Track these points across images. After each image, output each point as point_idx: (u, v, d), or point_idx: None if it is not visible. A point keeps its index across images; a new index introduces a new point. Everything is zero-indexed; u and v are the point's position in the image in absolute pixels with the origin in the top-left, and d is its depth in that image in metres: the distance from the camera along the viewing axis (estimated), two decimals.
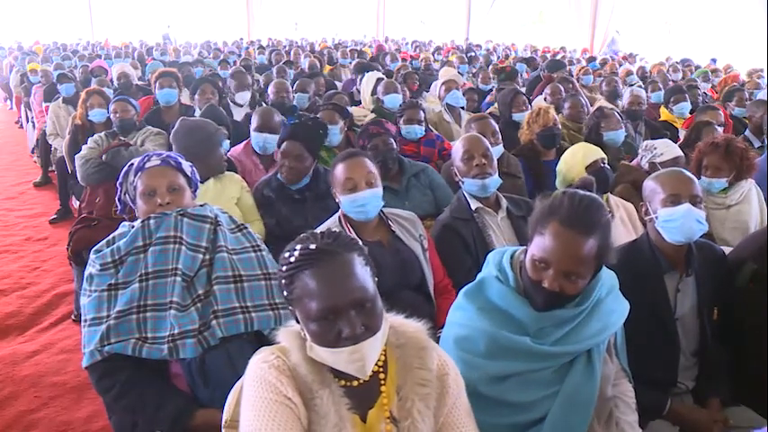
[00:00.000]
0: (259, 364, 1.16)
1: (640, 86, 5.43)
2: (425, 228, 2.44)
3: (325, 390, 1.14)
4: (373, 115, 4.59)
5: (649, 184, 1.93)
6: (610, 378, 1.58)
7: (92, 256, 1.74)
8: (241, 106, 4.84)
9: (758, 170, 3.14)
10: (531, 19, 21.20)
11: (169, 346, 1.63)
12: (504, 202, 2.37)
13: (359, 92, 5.73)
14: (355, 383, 1.18)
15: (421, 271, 2.17)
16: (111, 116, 3.83)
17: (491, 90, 6.22)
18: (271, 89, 4.67)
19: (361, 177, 2.08)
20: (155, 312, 1.67)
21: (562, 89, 5.04)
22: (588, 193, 1.47)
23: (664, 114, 4.93)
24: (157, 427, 1.62)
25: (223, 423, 1.26)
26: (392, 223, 2.20)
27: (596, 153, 2.52)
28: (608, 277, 1.54)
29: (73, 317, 3.37)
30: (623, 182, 2.89)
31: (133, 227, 1.76)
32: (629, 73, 7.60)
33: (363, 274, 1.15)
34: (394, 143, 2.97)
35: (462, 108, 4.91)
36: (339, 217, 2.16)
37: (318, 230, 1.20)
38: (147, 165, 1.85)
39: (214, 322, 1.69)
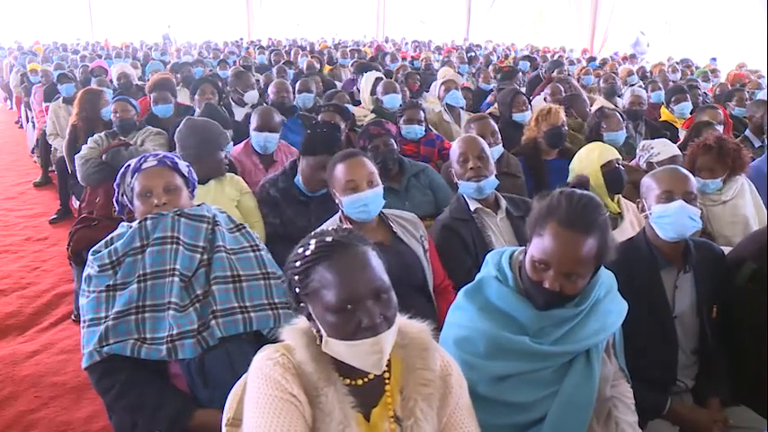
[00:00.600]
0: (264, 361, 1.16)
1: (641, 86, 5.43)
2: (425, 228, 2.45)
3: (330, 387, 1.14)
4: (373, 115, 4.59)
5: (646, 181, 1.94)
6: (609, 378, 1.58)
7: (90, 257, 1.74)
8: (246, 106, 4.84)
9: (757, 171, 3.16)
10: (531, 19, 21.20)
11: (168, 346, 1.63)
12: (503, 203, 2.37)
13: (359, 92, 5.73)
14: (359, 382, 1.18)
15: (422, 272, 2.16)
16: (112, 116, 3.83)
17: (491, 90, 6.22)
18: (271, 89, 4.67)
19: (363, 178, 2.07)
20: (153, 313, 1.67)
21: (562, 89, 5.04)
22: (586, 192, 1.47)
23: (664, 114, 4.93)
24: (157, 428, 1.62)
25: (225, 422, 1.25)
26: (393, 224, 2.20)
27: (612, 153, 2.52)
28: (606, 278, 1.54)
29: (73, 317, 3.36)
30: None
31: (131, 227, 1.76)
32: (630, 73, 7.59)
33: (379, 266, 1.17)
34: (394, 144, 2.97)
35: (462, 108, 4.91)
36: (339, 218, 2.15)
37: (332, 227, 1.22)
38: (144, 165, 1.85)
39: (213, 322, 1.69)
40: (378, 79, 5.05)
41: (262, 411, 1.10)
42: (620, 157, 2.54)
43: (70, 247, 3.12)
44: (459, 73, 7.28)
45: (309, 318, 1.18)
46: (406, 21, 20.31)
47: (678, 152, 2.92)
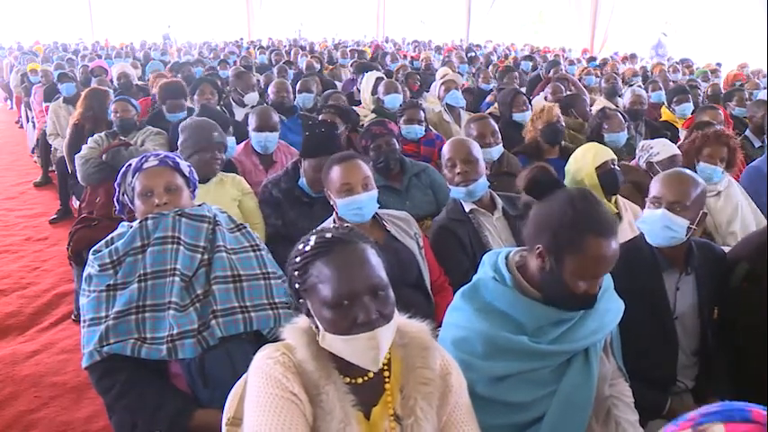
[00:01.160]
0: (264, 360, 1.16)
1: (640, 86, 5.43)
2: (426, 227, 2.45)
3: (330, 386, 1.14)
4: (374, 115, 4.59)
5: (653, 182, 1.93)
6: (607, 377, 1.58)
7: (90, 256, 1.74)
8: (245, 107, 4.84)
9: (757, 171, 3.17)
10: (531, 19, 21.20)
11: (168, 346, 1.63)
12: (499, 202, 2.37)
13: (359, 92, 5.73)
14: (360, 380, 1.18)
15: (418, 269, 2.17)
16: (112, 116, 3.83)
17: (491, 90, 6.22)
18: (271, 89, 4.67)
19: (358, 181, 2.08)
20: (153, 313, 1.67)
21: (563, 88, 5.04)
22: (586, 190, 1.48)
23: (665, 114, 4.92)
24: (157, 428, 1.62)
25: (225, 421, 1.25)
26: (387, 223, 2.21)
27: (607, 153, 2.51)
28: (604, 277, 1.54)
29: (73, 317, 3.37)
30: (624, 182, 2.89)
31: (132, 227, 1.77)
32: (635, 74, 7.59)
33: (377, 262, 1.18)
34: (396, 143, 2.97)
35: (462, 108, 4.91)
36: (334, 219, 2.16)
37: (333, 225, 1.22)
38: (145, 165, 1.85)
39: (213, 322, 1.69)
40: (379, 79, 5.05)
41: (262, 410, 1.10)
42: (615, 157, 2.53)
43: (70, 247, 3.12)
44: (459, 73, 7.27)
45: (308, 314, 1.19)
46: (406, 21, 20.31)
47: (677, 152, 2.93)
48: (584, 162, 2.50)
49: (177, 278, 1.69)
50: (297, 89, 4.90)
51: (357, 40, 16.68)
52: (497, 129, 3.15)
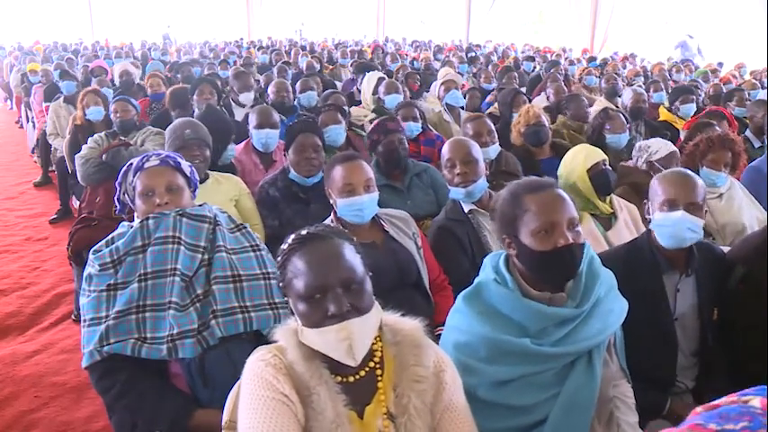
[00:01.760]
0: (256, 362, 1.17)
1: (640, 86, 5.43)
2: (426, 227, 2.45)
3: (322, 386, 1.14)
4: (374, 115, 4.60)
5: (653, 184, 1.92)
6: (611, 379, 1.57)
7: (90, 256, 1.74)
8: (244, 107, 4.84)
9: (757, 171, 3.17)
10: (531, 19, 21.19)
11: (168, 346, 1.63)
12: None
13: (359, 92, 5.73)
14: (352, 379, 1.19)
15: (417, 269, 2.17)
16: (112, 116, 3.84)
17: (491, 90, 6.23)
18: (271, 89, 4.67)
19: (360, 182, 2.08)
20: (154, 312, 1.67)
21: (565, 89, 5.03)
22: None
23: (663, 114, 4.92)
24: (157, 427, 1.62)
25: (223, 424, 1.26)
26: (385, 223, 2.21)
27: (598, 155, 2.50)
28: (607, 277, 1.54)
29: (73, 317, 3.37)
30: (622, 183, 2.89)
31: (132, 227, 1.76)
32: (636, 74, 7.58)
33: (352, 258, 1.18)
34: (406, 142, 2.99)
35: (462, 108, 4.91)
36: (332, 219, 2.16)
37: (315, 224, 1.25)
38: (146, 165, 1.85)
39: (213, 322, 1.69)
40: (380, 79, 5.06)
41: (254, 412, 1.11)
42: (606, 158, 2.52)
43: (70, 247, 3.12)
44: (459, 73, 7.28)
45: (293, 313, 1.20)
46: (406, 21, 20.31)
47: (675, 148, 2.93)
48: (576, 164, 2.50)
49: (177, 278, 1.69)
50: (298, 89, 4.91)
51: (357, 40, 16.68)
52: (494, 128, 3.15)
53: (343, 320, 1.12)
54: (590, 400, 1.45)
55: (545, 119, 3.52)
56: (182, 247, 1.72)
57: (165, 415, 1.62)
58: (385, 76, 5.52)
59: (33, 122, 7.01)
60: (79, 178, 3.46)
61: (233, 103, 4.92)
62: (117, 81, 6.34)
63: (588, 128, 3.86)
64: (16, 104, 9.62)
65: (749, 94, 5.51)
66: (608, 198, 2.54)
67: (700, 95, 5.82)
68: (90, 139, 3.58)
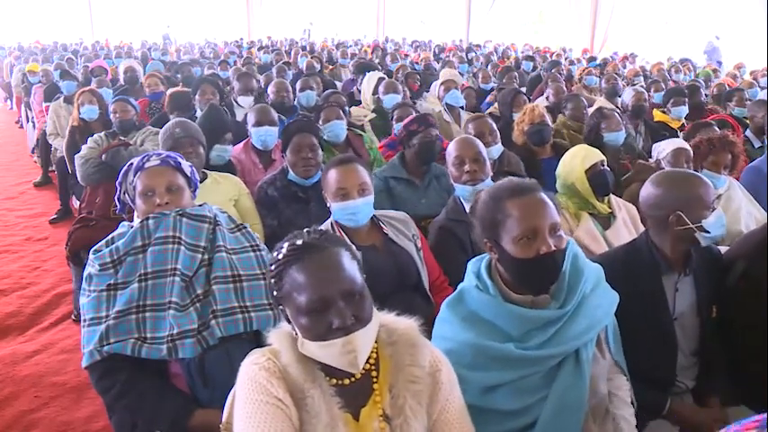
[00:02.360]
0: (250, 366, 1.17)
1: (642, 86, 5.43)
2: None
3: (316, 389, 1.14)
4: (374, 115, 4.60)
5: (675, 194, 1.78)
6: (603, 375, 1.56)
7: (91, 256, 1.74)
8: (244, 108, 4.85)
9: (757, 171, 3.16)
10: (531, 19, 21.20)
11: (168, 346, 1.63)
12: None
13: (359, 92, 5.73)
14: (347, 382, 1.18)
15: (416, 270, 2.17)
16: (111, 116, 3.84)
17: (491, 90, 6.23)
18: (270, 89, 4.67)
19: (354, 186, 2.08)
20: (154, 312, 1.67)
21: (565, 89, 5.03)
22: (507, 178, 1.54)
23: (657, 115, 4.91)
24: (157, 427, 1.62)
25: (221, 426, 1.26)
26: (384, 225, 2.20)
27: (596, 156, 2.50)
28: (592, 272, 1.52)
29: (73, 317, 3.37)
30: (638, 180, 2.87)
31: (132, 227, 1.76)
32: (636, 74, 7.58)
33: (351, 266, 1.16)
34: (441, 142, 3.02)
35: (462, 108, 4.91)
36: (331, 222, 2.16)
37: (306, 229, 1.22)
38: (147, 164, 1.85)
39: (213, 322, 1.69)
40: (380, 79, 5.06)
41: (249, 416, 1.11)
42: (604, 158, 2.52)
43: (68, 247, 3.12)
44: (459, 73, 7.28)
45: (288, 320, 1.18)
46: (406, 21, 20.31)
47: (681, 145, 2.91)
48: (574, 165, 2.49)
49: (178, 278, 1.69)
50: (298, 88, 4.91)
51: (357, 39, 16.67)
52: (496, 128, 3.16)
53: (348, 333, 1.10)
54: (579, 401, 1.44)
55: (548, 119, 3.53)
56: (182, 247, 1.72)
57: (165, 415, 1.62)
58: (385, 76, 5.52)
59: (33, 122, 7.01)
60: (79, 178, 3.46)
61: (235, 104, 4.92)
62: (122, 77, 6.35)
63: (585, 127, 3.86)
64: (16, 104, 9.63)
65: (749, 94, 5.52)
66: (606, 198, 2.54)
67: (701, 96, 5.81)
68: (90, 139, 3.58)
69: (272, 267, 1.17)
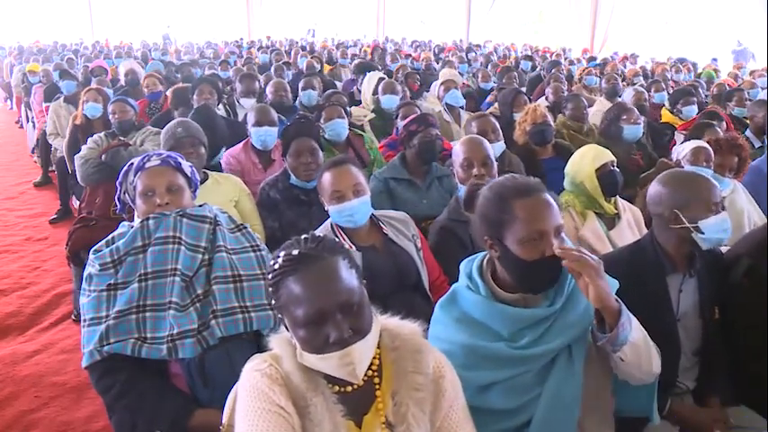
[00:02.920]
0: (252, 372, 1.16)
1: (642, 86, 5.43)
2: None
3: (318, 397, 1.13)
4: (374, 115, 4.61)
5: (674, 192, 1.79)
6: (609, 372, 1.51)
7: (91, 256, 1.74)
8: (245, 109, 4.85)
9: (757, 171, 3.16)
10: (531, 19, 21.20)
11: (168, 346, 1.63)
12: None
13: (359, 92, 5.74)
14: (349, 389, 1.16)
15: (416, 271, 2.17)
16: (110, 117, 3.84)
17: (491, 90, 6.23)
18: (269, 89, 4.67)
19: (348, 187, 2.07)
20: (154, 312, 1.67)
21: (565, 89, 5.04)
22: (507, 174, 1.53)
23: (665, 116, 4.91)
24: (157, 427, 1.62)
25: (221, 427, 1.26)
26: (384, 225, 2.20)
27: (606, 155, 2.50)
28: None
29: (73, 317, 3.37)
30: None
31: (132, 227, 1.76)
32: (636, 74, 7.58)
33: (349, 276, 1.13)
34: (441, 142, 3.02)
35: (462, 108, 4.91)
36: (330, 224, 2.15)
37: (304, 236, 1.18)
38: (147, 164, 1.85)
39: (213, 322, 1.69)
40: (380, 80, 5.06)
41: (251, 424, 1.10)
42: (614, 159, 2.52)
43: (68, 247, 3.12)
44: (459, 73, 7.28)
45: (287, 328, 1.17)
46: (406, 21, 20.32)
47: (698, 144, 2.87)
48: (584, 164, 2.49)
49: (178, 278, 1.69)
50: (300, 87, 4.91)
51: (357, 39, 16.67)
52: (498, 126, 3.16)
53: (345, 346, 1.09)
54: (574, 397, 1.43)
55: (550, 118, 3.53)
56: (182, 248, 1.72)
57: (165, 415, 1.62)
58: (385, 76, 5.52)
59: (33, 122, 7.02)
60: (78, 179, 3.46)
61: (237, 104, 4.93)
62: (123, 80, 6.36)
63: (603, 119, 3.84)
64: (16, 104, 9.63)
65: (749, 94, 5.52)
66: (613, 199, 2.54)
67: (701, 96, 5.82)
68: (89, 139, 3.59)
69: (270, 276, 1.15)
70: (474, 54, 10.97)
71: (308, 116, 3.43)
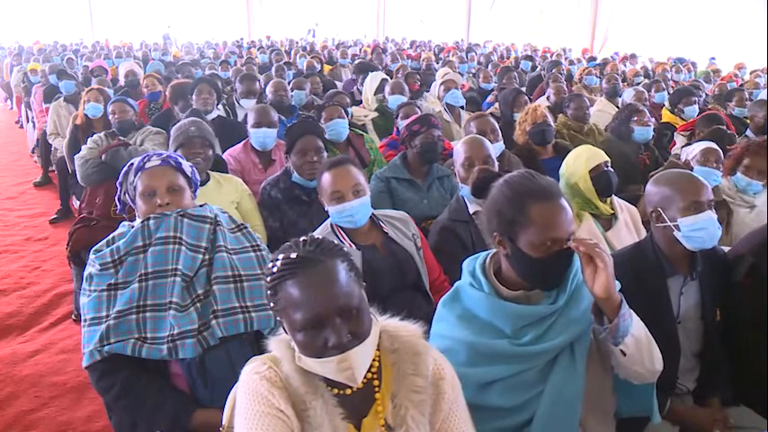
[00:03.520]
0: (251, 375, 1.15)
1: (642, 86, 5.43)
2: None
3: (318, 400, 1.12)
4: (375, 114, 4.61)
5: (660, 190, 1.83)
6: (611, 371, 1.51)
7: (91, 256, 1.74)
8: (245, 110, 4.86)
9: None
10: (531, 19, 21.18)
11: (168, 346, 1.63)
12: None
13: (359, 92, 5.73)
14: (348, 392, 1.16)
15: (416, 270, 2.17)
16: (110, 117, 3.84)
17: (491, 90, 6.23)
18: (269, 89, 4.68)
19: (348, 188, 2.07)
20: (154, 312, 1.67)
21: (566, 89, 5.04)
22: (524, 170, 1.50)
23: (666, 116, 4.90)
24: (157, 427, 1.62)
25: (220, 428, 1.25)
26: (384, 225, 2.20)
27: (600, 157, 2.50)
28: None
29: (73, 317, 3.37)
30: None
31: (133, 227, 1.76)
32: (636, 74, 7.58)
33: (348, 280, 1.12)
34: (443, 143, 3.02)
35: (462, 108, 4.92)
36: (331, 224, 2.15)
37: (302, 238, 1.17)
38: (147, 165, 1.84)
39: (213, 322, 1.68)
40: (383, 80, 5.08)
41: (250, 428, 1.10)
42: (608, 159, 2.52)
43: (69, 247, 3.12)
44: (459, 73, 7.28)
45: (286, 331, 1.16)
46: (406, 21, 20.30)
47: (709, 145, 2.88)
48: (578, 166, 2.49)
49: (178, 278, 1.69)
50: (290, 87, 4.94)
51: (357, 39, 16.67)
52: (497, 126, 3.16)
53: (344, 351, 1.08)
54: (575, 395, 1.43)
55: (551, 119, 3.53)
56: (183, 248, 1.72)
57: (165, 415, 1.62)
58: (387, 77, 5.53)
59: (33, 122, 7.02)
60: (78, 179, 3.46)
61: (237, 104, 4.93)
62: (122, 81, 6.36)
63: (613, 119, 3.84)
64: (16, 104, 9.63)
65: (751, 94, 5.52)
66: (608, 199, 2.54)
67: (701, 96, 5.82)
68: (89, 139, 3.59)
69: (268, 279, 1.14)
70: (473, 54, 10.96)
71: (311, 116, 3.43)
